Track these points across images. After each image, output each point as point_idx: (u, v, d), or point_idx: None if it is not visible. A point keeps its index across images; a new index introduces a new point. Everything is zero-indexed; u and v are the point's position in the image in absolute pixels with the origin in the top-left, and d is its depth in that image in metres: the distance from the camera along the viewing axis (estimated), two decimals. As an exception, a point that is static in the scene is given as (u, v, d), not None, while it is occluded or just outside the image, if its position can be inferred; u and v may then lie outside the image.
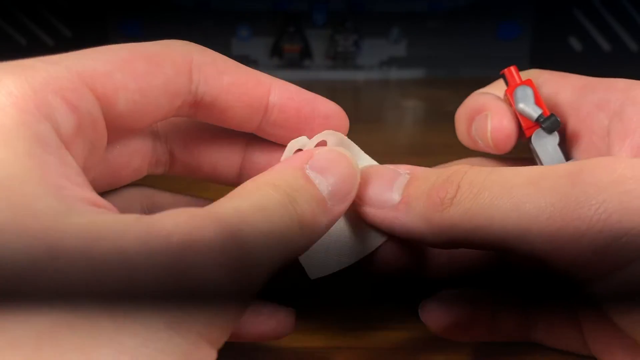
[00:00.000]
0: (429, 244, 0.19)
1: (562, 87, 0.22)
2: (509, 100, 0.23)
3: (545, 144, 0.22)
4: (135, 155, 0.21)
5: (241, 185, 0.16)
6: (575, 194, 0.15)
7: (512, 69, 0.23)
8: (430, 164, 0.24)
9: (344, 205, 0.18)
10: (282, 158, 0.20)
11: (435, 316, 0.21)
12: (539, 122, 0.22)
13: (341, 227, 0.20)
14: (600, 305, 0.16)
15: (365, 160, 0.21)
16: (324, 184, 0.17)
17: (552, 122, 0.22)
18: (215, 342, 0.13)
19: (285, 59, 0.78)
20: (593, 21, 0.77)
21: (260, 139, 0.22)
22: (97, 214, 0.13)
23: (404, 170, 0.20)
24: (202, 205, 0.18)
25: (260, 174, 0.17)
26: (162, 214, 0.13)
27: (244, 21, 0.79)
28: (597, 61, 0.77)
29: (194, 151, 0.22)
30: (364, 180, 0.19)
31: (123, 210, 0.19)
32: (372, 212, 0.19)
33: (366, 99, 0.70)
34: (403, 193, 0.19)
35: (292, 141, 0.20)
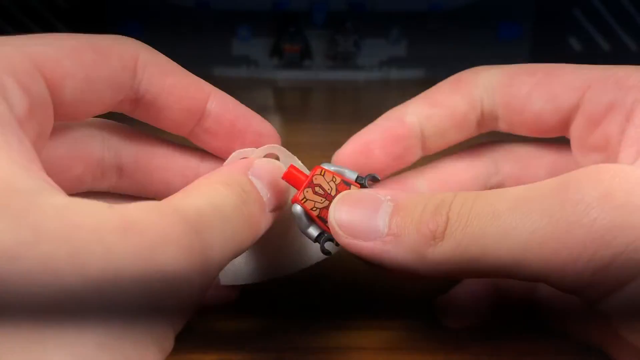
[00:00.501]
0: (421, 276, 0.18)
1: (556, 91, 0.21)
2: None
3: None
4: (78, 161, 0.20)
5: (194, 182, 0.17)
6: (565, 216, 0.15)
7: (292, 169, 0.20)
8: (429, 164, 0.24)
9: (277, 214, 0.19)
10: (224, 165, 0.20)
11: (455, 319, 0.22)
12: (317, 241, 0.20)
13: (267, 240, 0.20)
14: (608, 320, 0.16)
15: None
16: (263, 191, 0.19)
17: (323, 245, 0.20)
18: (177, 329, 0.14)
19: (285, 59, 0.78)
20: (593, 21, 0.77)
21: (211, 156, 0.22)
22: (66, 196, 0.13)
23: (383, 196, 0.19)
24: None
25: (210, 174, 0.18)
26: (133, 205, 0.14)
27: (244, 21, 0.79)
28: (596, 61, 0.77)
29: (147, 166, 0.22)
30: (344, 211, 0.19)
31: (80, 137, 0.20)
32: (358, 245, 0.18)
33: (366, 99, 0.70)
34: (390, 224, 0.18)
35: (238, 150, 0.21)
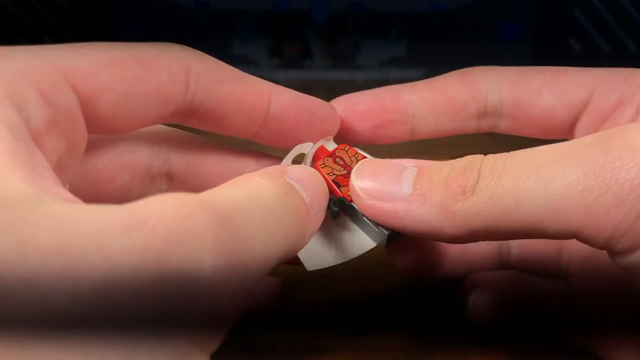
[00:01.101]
0: (445, 238, 0.18)
1: (566, 87, 0.21)
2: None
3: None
4: (123, 170, 0.20)
5: (232, 180, 0.16)
6: (610, 160, 0.15)
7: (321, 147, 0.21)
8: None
9: (320, 218, 0.18)
10: (284, 161, 0.20)
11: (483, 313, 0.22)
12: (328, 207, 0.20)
13: (341, 223, 0.20)
14: (633, 274, 0.16)
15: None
16: (303, 193, 0.17)
17: (333, 210, 0.20)
18: (208, 348, 0.13)
19: (285, 59, 0.78)
20: (592, 21, 0.77)
21: (268, 157, 0.22)
22: (70, 203, 0.12)
23: (408, 163, 0.19)
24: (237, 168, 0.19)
25: (249, 173, 0.17)
26: (148, 200, 0.12)
27: (244, 21, 0.79)
28: (596, 61, 0.78)
29: (198, 172, 0.21)
30: (368, 173, 0.19)
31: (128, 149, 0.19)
32: (380, 205, 0.18)
33: (366, 99, 0.70)
34: (415, 185, 0.18)
35: (298, 146, 0.20)
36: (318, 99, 0.21)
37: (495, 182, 0.16)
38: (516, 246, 0.23)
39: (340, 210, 0.20)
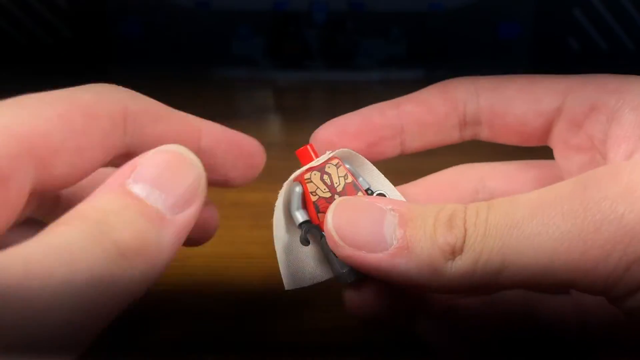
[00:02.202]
0: (432, 292, 0.18)
1: (539, 94, 0.21)
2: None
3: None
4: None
5: (59, 220, 0.14)
6: (591, 215, 0.15)
7: (310, 148, 0.20)
8: (430, 164, 0.24)
9: (194, 208, 0.16)
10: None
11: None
12: (300, 228, 0.19)
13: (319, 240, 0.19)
14: (635, 319, 0.16)
15: (381, 184, 0.21)
16: (155, 195, 0.15)
17: (302, 237, 0.19)
18: None
19: (285, 59, 0.78)
20: (592, 21, 0.77)
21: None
22: None
23: (384, 205, 0.18)
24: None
25: (77, 205, 0.15)
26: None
27: (244, 21, 0.79)
28: (595, 61, 0.78)
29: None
30: (345, 219, 0.18)
31: None
32: (362, 256, 0.17)
33: (366, 99, 0.70)
34: (399, 235, 0.17)
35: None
36: (245, 135, 0.21)
37: (481, 242, 0.16)
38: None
39: (308, 237, 0.19)
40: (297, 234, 0.19)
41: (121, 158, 0.18)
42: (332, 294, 0.26)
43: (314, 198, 0.19)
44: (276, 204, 0.19)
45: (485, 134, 0.22)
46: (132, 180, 0.15)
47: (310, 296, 0.26)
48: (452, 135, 0.22)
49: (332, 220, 0.18)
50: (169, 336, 0.23)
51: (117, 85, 0.18)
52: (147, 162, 0.16)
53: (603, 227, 0.14)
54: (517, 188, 0.23)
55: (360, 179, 0.20)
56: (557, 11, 0.78)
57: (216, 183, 0.20)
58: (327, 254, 0.19)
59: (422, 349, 0.21)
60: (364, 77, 0.77)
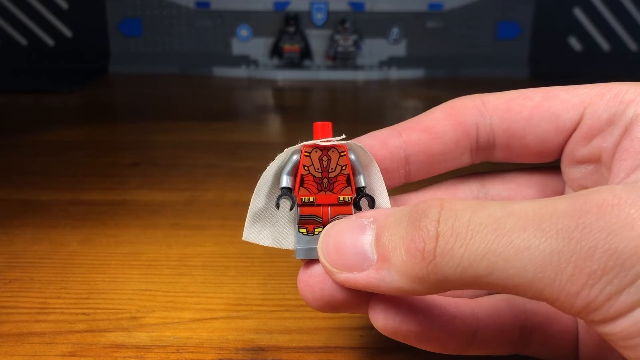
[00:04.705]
0: (423, 294, 0.17)
1: (557, 110, 0.20)
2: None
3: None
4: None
5: None
6: (585, 240, 0.15)
7: (321, 126, 0.20)
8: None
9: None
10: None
11: (384, 317, 0.19)
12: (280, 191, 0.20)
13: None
14: (614, 343, 0.16)
15: (377, 189, 0.20)
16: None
17: (278, 197, 0.19)
18: None
19: (285, 59, 0.78)
20: (593, 21, 0.77)
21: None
22: None
23: (367, 219, 0.17)
24: None
25: None
26: None
27: (244, 21, 0.79)
28: (596, 61, 0.78)
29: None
30: (332, 248, 0.18)
31: None
32: (354, 277, 0.17)
33: (366, 99, 0.70)
34: (377, 248, 0.17)
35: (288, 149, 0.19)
36: None
37: (462, 247, 0.15)
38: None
39: (281, 202, 0.19)
40: (276, 196, 0.20)
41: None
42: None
43: (304, 172, 0.19)
44: (270, 164, 0.20)
45: (499, 156, 0.21)
46: None
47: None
48: (462, 161, 0.21)
49: (321, 249, 0.18)
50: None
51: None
52: None
53: (596, 256, 0.15)
54: (520, 194, 0.22)
55: (360, 176, 0.20)
56: (557, 11, 0.78)
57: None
58: (291, 226, 0.20)
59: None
60: (363, 77, 0.77)
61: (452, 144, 0.21)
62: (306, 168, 0.19)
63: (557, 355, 0.21)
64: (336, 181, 0.19)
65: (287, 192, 0.19)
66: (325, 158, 0.19)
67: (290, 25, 0.77)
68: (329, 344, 0.23)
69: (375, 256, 0.17)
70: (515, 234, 0.15)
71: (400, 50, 0.80)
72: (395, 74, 0.78)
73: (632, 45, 0.76)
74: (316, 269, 0.19)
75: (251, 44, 0.80)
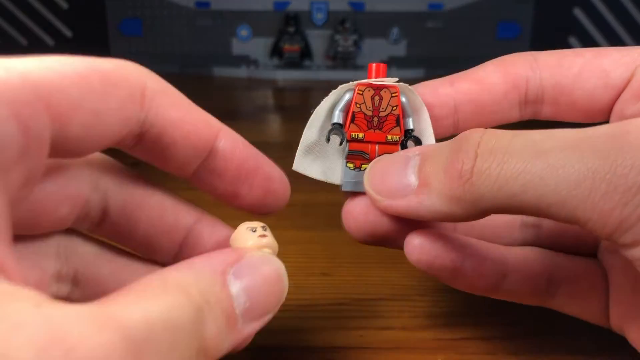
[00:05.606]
0: (460, 220, 0.18)
1: (607, 68, 0.20)
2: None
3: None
4: (66, 201, 0.18)
5: (148, 280, 0.13)
6: (622, 158, 0.15)
7: (376, 66, 0.21)
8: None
9: (256, 326, 0.16)
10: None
11: (420, 251, 0.19)
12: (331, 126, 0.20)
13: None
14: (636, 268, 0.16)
15: (425, 131, 0.21)
16: (241, 299, 0.15)
17: (329, 131, 0.20)
18: None
19: (285, 59, 0.78)
20: (593, 21, 0.77)
21: (210, 219, 0.20)
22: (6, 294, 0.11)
23: (412, 153, 0.18)
24: (120, 269, 0.18)
25: (170, 268, 0.14)
26: (65, 313, 0.11)
27: (244, 21, 0.79)
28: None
29: (133, 213, 0.19)
30: (378, 175, 0.19)
31: (36, 251, 0.18)
32: (395, 203, 0.18)
33: (366, 99, 0.70)
34: (419, 175, 0.18)
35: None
36: (266, 158, 0.20)
37: (498, 165, 0.16)
38: (547, 223, 0.22)
39: (331, 136, 0.20)
40: (327, 130, 0.20)
41: (134, 138, 0.17)
42: (333, 297, 0.26)
43: (355, 109, 0.20)
44: (324, 99, 0.20)
45: (547, 112, 0.21)
46: (233, 275, 0.15)
47: (313, 297, 0.26)
48: (510, 115, 0.21)
49: (367, 177, 0.19)
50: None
51: (136, 64, 0.17)
52: (252, 264, 0.16)
53: (631, 174, 0.14)
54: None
55: (409, 119, 0.20)
56: (557, 11, 0.78)
57: (224, 195, 0.19)
58: (339, 161, 0.21)
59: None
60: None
61: (501, 95, 0.21)
62: (358, 105, 0.20)
63: (585, 312, 0.21)
64: (386, 120, 0.20)
65: (337, 127, 0.20)
66: (377, 97, 0.20)
67: (290, 25, 0.77)
68: (329, 344, 0.23)
69: (417, 182, 0.18)
70: (552, 154, 0.15)
71: (400, 50, 0.80)
72: (395, 73, 0.78)
73: (632, 45, 0.76)
74: (361, 201, 0.20)
75: (251, 44, 0.80)
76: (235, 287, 0.15)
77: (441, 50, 0.79)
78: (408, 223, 0.20)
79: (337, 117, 0.20)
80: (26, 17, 0.80)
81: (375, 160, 0.20)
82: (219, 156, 0.18)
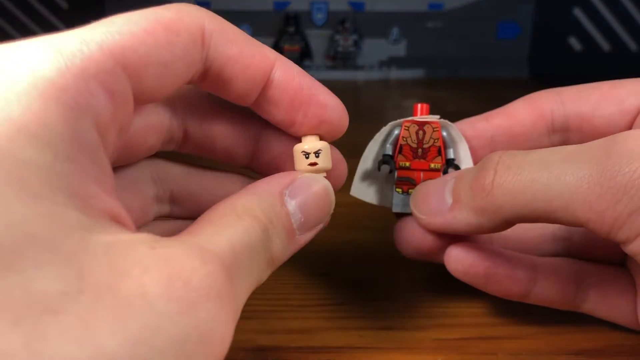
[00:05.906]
0: (489, 231, 0.21)
1: (622, 96, 0.23)
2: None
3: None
4: (152, 132, 0.20)
5: (222, 209, 0.16)
6: (611, 164, 0.17)
7: (420, 106, 0.24)
8: (430, 164, 0.24)
9: (310, 235, 0.19)
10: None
11: (456, 260, 0.22)
12: (383, 157, 0.24)
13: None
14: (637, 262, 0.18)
15: (464, 160, 0.24)
16: (297, 215, 0.18)
17: (380, 161, 0.24)
18: None
19: (285, 59, 0.78)
20: (593, 21, 0.77)
21: (274, 127, 0.21)
22: (119, 233, 0.13)
23: (450, 177, 0.22)
24: (208, 183, 0.21)
25: (237, 195, 0.17)
26: (174, 250, 0.13)
27: (244, 21, 0.79)
28: (596, 61, 0.78)
29: (209, 130, 0.21)
30: (420, 199, 0.22)
31: (135, 181, 0.20)
32: (434, 220, 0.21)
33: (366, 99, 0.70)
34: (453, 195, 0.21)
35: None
36: (325, 87, 0.20)
37: (512, 178, 0.19)
38: (577, 231, 0.25)
39: (382, 166, 0.23)
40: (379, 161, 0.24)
41: (200, 76, 0.18)
42: (333, 297, 0.26)
43: (402, 142, 0.24)
44: (376, 135, 0.24)
45: (574, 139, 0.24)
46: (289, 195, 0.18)
47: (313, 297, 0.26)
48: (541, 143, 0.24)
49: (413, 201, 0.23)
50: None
51: (196, 5, 0.18)
52: (303, 184, 0.19)
53: (618, 177, 0.17)
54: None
55: (450, 149, 0.24)
56: (557, 11, 0.78)
57: (281, 123, 0.20)
58: (390, 187, 0.24)
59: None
60: (363, 77, 0.77)
61: (530, 126, 0.24)
62: (404, 139, 0.24)
63: (616, 315, 0.23)
64: (429, 151, 0.24)
65: (388, 157, 0.24)
66: (421, 132, 0.24)
67: (290, 25, 0.77)
68: (329, 344, 0.23)
69: (450, 200, 0.21)
70: (555, 165, 0.18)
71: (400, 50, 0.79)
72: (395, 74, 0.78)
73: (632, 45, 0.76)
74: (409, 222, 0.23)
75: (251, 44, 0.80)
76: (291, 205, 0.18)
77: (441, 50, 0.79)
78: (449, 239, 0.23)
79: (388, 149, 0.24)
80: (26, 17, 0.80)
81: (419, 185, 0.23)
82: (274, 86, 0.19)
